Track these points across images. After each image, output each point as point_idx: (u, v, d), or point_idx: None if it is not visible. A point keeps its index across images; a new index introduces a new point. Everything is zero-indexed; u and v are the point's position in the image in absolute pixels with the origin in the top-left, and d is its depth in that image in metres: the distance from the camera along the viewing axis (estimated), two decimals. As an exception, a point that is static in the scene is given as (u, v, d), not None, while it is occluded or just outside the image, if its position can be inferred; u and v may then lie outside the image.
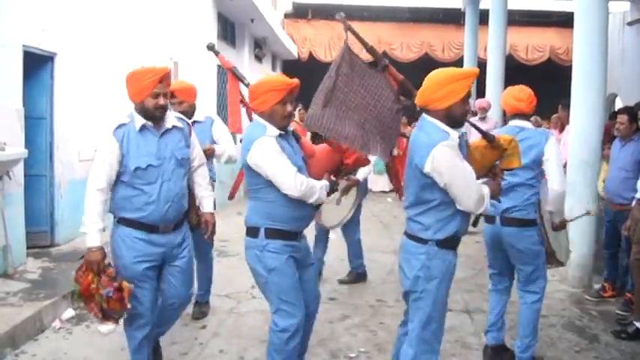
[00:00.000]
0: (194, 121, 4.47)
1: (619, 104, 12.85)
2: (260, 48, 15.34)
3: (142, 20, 7.75)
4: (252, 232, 3.21)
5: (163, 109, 3.25)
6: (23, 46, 5.54)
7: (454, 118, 2.87)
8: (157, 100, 3.17)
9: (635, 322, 4.45)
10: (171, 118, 3.38)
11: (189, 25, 9.09)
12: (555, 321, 4.83)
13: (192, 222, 3.74)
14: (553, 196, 3.74)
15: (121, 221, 3.38)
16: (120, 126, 3.22)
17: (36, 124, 6.05)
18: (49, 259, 5.79)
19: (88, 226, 3.26)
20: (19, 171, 5.44)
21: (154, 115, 3.23)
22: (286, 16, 18.01)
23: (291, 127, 3.28)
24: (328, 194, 3.29)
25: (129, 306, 3.22)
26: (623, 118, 5.16)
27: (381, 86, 3.22)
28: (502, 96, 4.02)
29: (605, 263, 5.54)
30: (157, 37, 8.08)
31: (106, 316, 3.28)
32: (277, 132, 3.11)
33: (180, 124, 3.41)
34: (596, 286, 5.58)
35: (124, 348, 4.12)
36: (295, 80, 3.16)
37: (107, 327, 4.47)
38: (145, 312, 3.36)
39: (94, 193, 3.26)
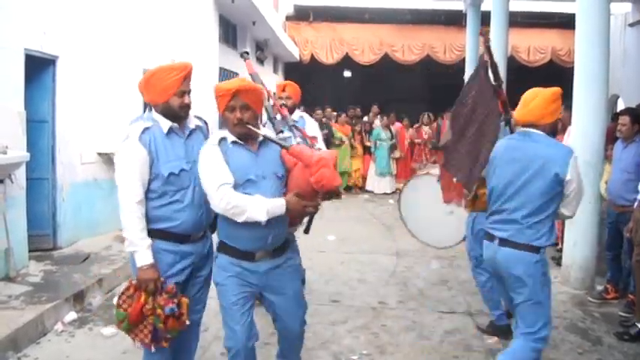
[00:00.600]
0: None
1: (621, 105, 12.84)
2: (262, 50, 15.37)
3: (143, 23, 7.76)
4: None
5: (188, 108, 3.10)
6: (25, 49, 5.55)
7: (554, 131, 3.38)
8: (183, 98, 3.00)
9: (637, 324, 4.45)
10: (193, 118, 3.22)
11: (191, 27, 9.10)
12: (558, 323, 4.81)
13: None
14: None
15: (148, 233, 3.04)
16: (144, 130, 2.96)
17: (38, 127, 6.06)
18: (52, 262, 5.79)
19: (135, 243, 2.92)
20: (21, 174, 5.44)
21: (179, 115, 3.05)
22: (288, 18, 18.04)
23: (264, 134, 2.93)
24: (299, 219, 3.09)
25: (187, 322, 3.03)
26: (625, 120, 5.15)
27: (491, 104, 3.66)
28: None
29: (607, 265, 5.53)
30: (159, 40, 8.09)
31: (157, 339, 2.99)
32: (231, 138, 2.91)
33: (201, 124, 3.27)
34: (599, 288, 5.56)
35: (127, 351, 4.14)
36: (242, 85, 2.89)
37: (110, 330, 4.48)
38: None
39: (132, 207, 2.95)
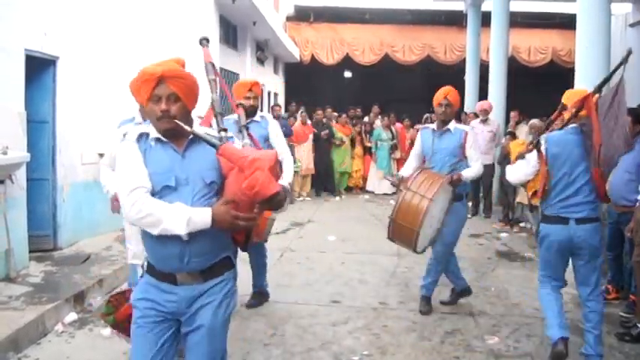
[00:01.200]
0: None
1: (622, 106, 12.81)
2: (262, 51, 15.36)
3: (144, 24, 7.77)
4: None
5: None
6: (25, 50, 5.55)
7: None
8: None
9: (638, 325, 4.43)
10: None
11: (192, 28, 9.08)
12: (559, 323, 4.80)
13: None
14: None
15: None
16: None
17: (38, 127, 6.06)
18: (52, 262, 5.79)
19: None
20: (21, 175, 5.44)
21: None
22: (288, 18, 18.05)
23: (192, 130, 2.41)
24: (232, 232, 2.50)
25: None
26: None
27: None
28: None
29: (608, 265, 5.51)
30: (159, 41, 8.09)
31: None
32: (154, 134, 2.46)
33: None
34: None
35: (126, 352, 4.12)
36: (170, 67, 2.41)
37: (110, 331, 4.47)
38: None
39: None
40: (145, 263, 2.53)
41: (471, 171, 4.79)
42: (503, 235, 8.39)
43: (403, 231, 4.35)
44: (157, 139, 2.45)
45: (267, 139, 4.78)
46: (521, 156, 4.16)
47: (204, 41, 3.53)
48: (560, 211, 3.90)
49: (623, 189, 5.08)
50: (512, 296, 5.52)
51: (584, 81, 5.61)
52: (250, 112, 4.71)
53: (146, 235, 2.42)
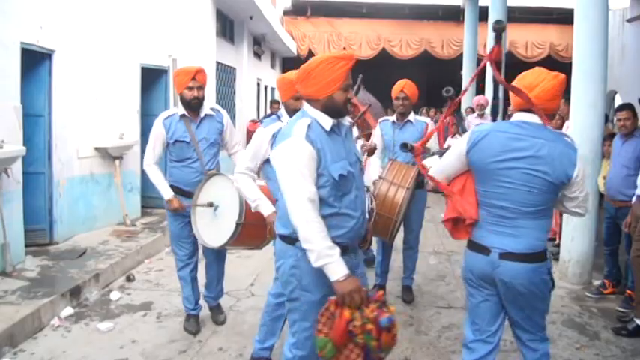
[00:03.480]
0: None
1: (618, 101, 12.84)
2: (259, 45, 15.33)
3: (140, 17, 7.73)
4: None
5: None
6: (21, 43, 5.52)
7: None
8: (347, 92, 2.61)
9: (635, 319, 4.44)
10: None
11: (188, 22, 9.06)
12: (555, 318, 4.82)
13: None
14: None
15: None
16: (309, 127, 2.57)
17: (34, 121, 6.03)
18: (48, 257, 5.77)
19: (325, 254, 2.43)
20: (17, 169, 5.42)
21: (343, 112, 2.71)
22: (285, 13, 18.02)
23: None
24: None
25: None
26: (628, 114, 5.13)
27: None
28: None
29: (605, 260, 5.53)
30: (156, 35, 8.06)
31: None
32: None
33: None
34: (596, 283, 5.57)
35: (123, 346, 4.13)
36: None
37: (106, 325, 4.47)
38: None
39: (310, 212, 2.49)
40: None
41: (434, 160, 4.87)
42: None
43: (381, 220, 4.33)
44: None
45: (221, 133, 4.36)
46: None
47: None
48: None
49: (621, 184, 5.10)
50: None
51: (582, 76, 5.61)
52: (194, 105, 4.15)
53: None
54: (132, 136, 7.52)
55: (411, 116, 5.04)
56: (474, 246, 2.83)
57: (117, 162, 7.13)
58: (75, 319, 4.65)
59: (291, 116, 3.49)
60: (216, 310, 4.63)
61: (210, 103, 4.40)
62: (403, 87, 4.98)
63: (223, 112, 4.44)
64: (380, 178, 4.53)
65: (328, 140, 2.57)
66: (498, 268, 2.72)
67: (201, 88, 4.15)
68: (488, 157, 2.69)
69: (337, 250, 2.46)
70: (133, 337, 4.32)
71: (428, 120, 5.27)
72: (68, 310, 4.71)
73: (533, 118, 2.69)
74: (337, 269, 2.43)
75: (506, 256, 2.69)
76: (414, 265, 5.37)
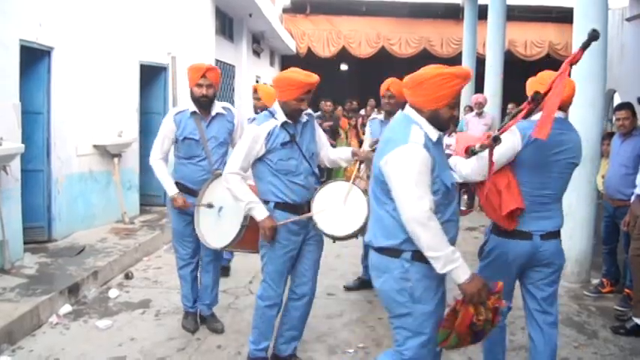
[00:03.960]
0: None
1: (617, 100, 12.85)
2: (258, 43, 15.32)
3: (139, 15, 7.72)
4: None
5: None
6: (20, 40, 5.51)
7: None
8: (453, 110, 2.60)
9: (633, 318, 4.45)
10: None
11: (187, 19, 9.05)
12: (554, 317, 4.82)
13: None
14: None
15: None
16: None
17: (33, 119, 6.02)
18: (47, 254, 5.77)
19: (452, 259, 2.46)
20: (16, 166, 5.41)
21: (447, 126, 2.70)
22: (284, 10, 17.99)
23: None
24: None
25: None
26: (627, 114, 5.13)
27: None
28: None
29: (603, 259, 5.54)
30: (155, 32, 8.05)
31: (478, 339, 2.69)
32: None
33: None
34: (595, 282, 5.57)
35: (122, 344, 4.13)
36: None
37: (104, 322, 4.47)
38: None
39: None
40: None
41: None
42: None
43: None
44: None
45: (231, 133, 4.32)
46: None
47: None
48: None
49: (620, 183, 5.10)
50: (508, 289, 5.53)
51: (580, 75, 5.60)
52: (203, 103, 4.10)
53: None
54: (131, 133, 7.51)
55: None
56: (514, 234, 3.01)
57: (115, 160, 7.12)
58: (73, 316, 4.64)
59: (290, 116, 3.46)
60: (212, 319, 4.47)
61: (222, 102, 4.36)
62: (389, 86, 5.00)
63: (235, 111, 4.39)
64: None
65: (435, 149, 2.56)
66: (541, 248, 3.01)
67: (211, 86, 4.10)
68: (545, 151, 2.91)
69: (458, 252, 2.49)
70: (132, 334, 4.32)
71: None
72: (66, 308, 4.71)
73: (561, 114, 3.00)
74: (463, 272, 2.47)
75: (546, 236, 3.01)
76: None
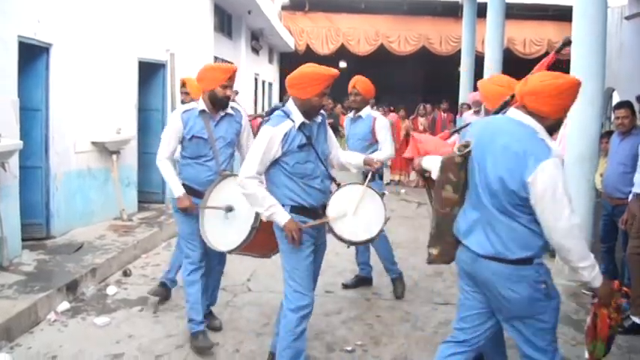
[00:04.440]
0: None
1: (616, 98, 12.85)
2: (257, 40, 15.31)
3: (138, 11, 7.71)
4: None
5: None
6: (18, 36, 5.49)
7: None
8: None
9: (632, 317, 4.46)
10: None
11: (186, 16, 9.04)
12: (551, 315, 4.82)
13: None
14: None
15: None
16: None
17: (31, 115, 6.01)
18: (45, 251, 5.76)
19: (595, 263, 2.60)
20: (14, 163, 5.40)
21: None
22: (283, 8, 17.98)
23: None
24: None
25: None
26: (626, 112, 5.13)
27: None
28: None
29: (601, 257, 5.53)
30: (154, 29, 8.04)
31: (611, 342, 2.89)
32: None
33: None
34: (593, 280, 5.57)
35: (120, 341, 4.13)
36: None
37: (102, 319, 4.47)
38: None
39: None
40: None
41: (382, 153, 4.99)
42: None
43: None
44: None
45: (239, 134, 4.23)
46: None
47: None
48: None
49: (618, 181, 5.10)
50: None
51: (580, 73, 5.59)
52: (225, 103, 4.06)
53: None
54: (129, 130, 7.50)
55: (364, 111, 5.16)
56: None
57: (114, 156, 7.11)
58: (71, 313, 4.64)
59: (307, 116, 3.31)
60: (210, 317, 4.43)
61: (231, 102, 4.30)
62: (355, 83, 5.14)
63: (243, 112, 4.32)
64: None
65: None
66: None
67: (232, 87, 4.11)
68: None
69: (592, 255, 2.57)
70: (130, 331, 4.31)
71: (377, 114, 5.29)
72: (65, 305, 4.71)
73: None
74: (600, 276, 2.59)
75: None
76: (385, 254, 5.33)
